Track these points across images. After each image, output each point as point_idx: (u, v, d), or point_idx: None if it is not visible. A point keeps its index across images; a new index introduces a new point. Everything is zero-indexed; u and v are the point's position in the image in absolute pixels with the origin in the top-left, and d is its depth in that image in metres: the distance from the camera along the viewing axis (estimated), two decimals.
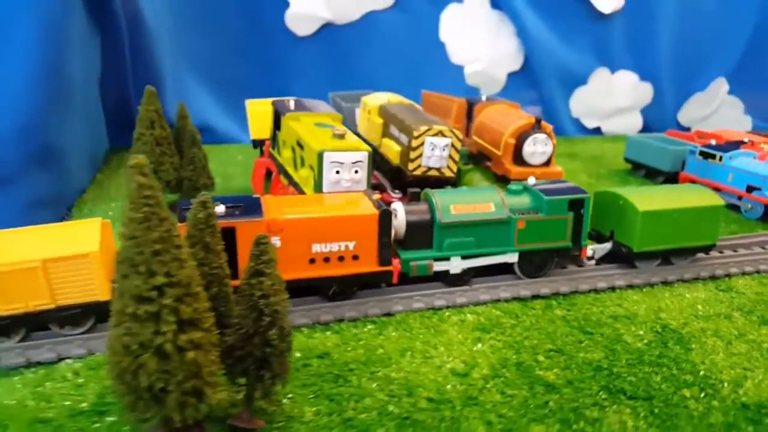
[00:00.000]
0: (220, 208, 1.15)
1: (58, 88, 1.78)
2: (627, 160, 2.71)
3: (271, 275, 0.88)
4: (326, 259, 1.24)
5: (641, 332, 1.26)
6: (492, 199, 1.40)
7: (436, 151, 1.57)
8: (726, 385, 1.08)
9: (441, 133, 1.57)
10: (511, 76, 3.49)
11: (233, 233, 1.13)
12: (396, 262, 1.32)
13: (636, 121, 3.83)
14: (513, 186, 1.46)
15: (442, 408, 0.99)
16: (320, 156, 1.40)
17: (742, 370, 1.13)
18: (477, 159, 2.02)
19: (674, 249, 1.55)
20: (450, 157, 1.60)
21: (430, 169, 1.60)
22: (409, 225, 1.35)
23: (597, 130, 3.77)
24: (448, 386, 1.05)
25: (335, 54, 3.13)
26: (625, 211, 1.51)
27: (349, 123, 2.14)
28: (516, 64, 3.49)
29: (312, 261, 1.23)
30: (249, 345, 0.87)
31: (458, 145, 1.59)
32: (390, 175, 1.71)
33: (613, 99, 3.71)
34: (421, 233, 1.35)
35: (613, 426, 0.96)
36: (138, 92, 2.63)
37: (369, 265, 1.28)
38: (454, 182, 1.64)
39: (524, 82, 3.50)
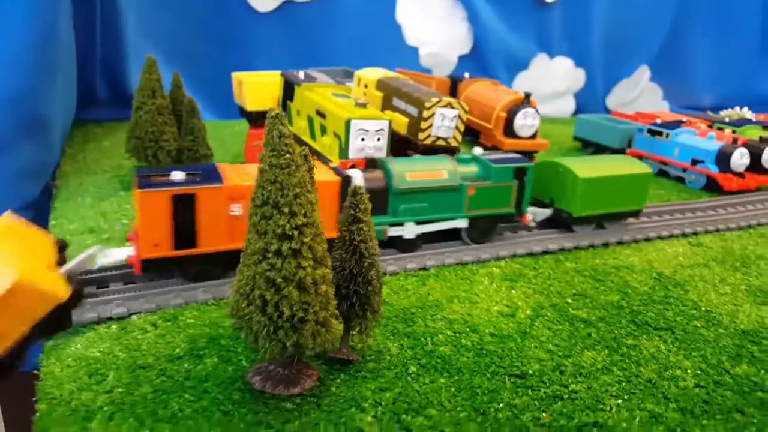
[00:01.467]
0: (180, 175, 1.12)
1: (49, 57, 1.73)
2: (577, 138, 2.94)
3: (367, 222, 0.95)
4: None
5: (642, 279, 1.44)
6: (445, 167, 1.45)
7: (445, 122, 1.67)
8: (725, 317, 1.27)
9: (450, 105, 1.67)
10: (462, 58, 3.65)
11: (193, 200, 1.12)
12: None
13: (569, 105, 4.11)
14: (462, 155, 1.54)
15: (506, 341, 1.10)
16: (348, 123, 1.46)
17: (733, 306, 1.33)
18: None
19: (608, 214, 1.66)
20: (456, 127, 1.71)
21: (438, 138, 1.69)
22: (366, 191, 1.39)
23: None
24: (502, 325, 1.16)
25: (295, 31, 3.14)
26: (565, 178, 1.59)
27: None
28: (466, 47, 3.65)
29: None
30: (353, 284, 0.94)
31: (464, 116, 1.70)
32: (399, 145, 1.79)
33: (550, 83, 3.95)
34: (377, 199, 1.35)
35: (651, 350, 1.12)
36: (103, 66, 2.55)
37: (329, 231, 1.27)
38: (459, 151, 1.75)
39: (473, 65, 3.66)
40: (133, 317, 1.08)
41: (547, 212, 1.64)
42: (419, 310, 1.19)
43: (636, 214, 1.72)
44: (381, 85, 1.89)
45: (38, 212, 1.86)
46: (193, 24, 2.92)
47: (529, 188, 1.52)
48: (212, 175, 1.16)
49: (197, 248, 1.14)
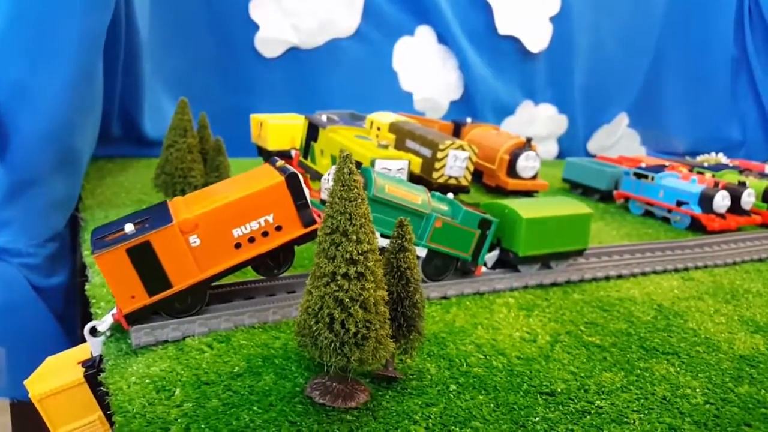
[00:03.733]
0: (129, 227, 1.12)
1: (87, 96, 1.82)
2: (565, 180, 3.10)
3: (412, 251, 1.05)
4: (251, 239, 1.21)
5: (644, 309, 1.55)
6: (420, 194, 1.49)
7: (457, 162, 1.80)
8: (723, 343, 1.39)
9: (462, 147, 1.80)
10: (453, 103, 3.84)
11: (149, 246, 1.12)
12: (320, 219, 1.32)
13: (553, 149, 4.32)
14: (436, 194, 1.59)
15: (532, 363, 1.20)
16: (373, 162, 1.58)
17: (728, 334, 1.45)
18: None
19: (553, 253, 1.69)
20: (467, 168, 1.84)
21: (450, 177, 1.82)
22: None
23: None
24: (526, 349, 1.26)
25: (299, 76, 3.29)
26: (510, 219, 1.63)
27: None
28: (457, 93, 3.84)
29: (238, 246, 1.20)
30: (400, 306, 1.03)
31: (474, 158, 1.84)
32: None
33: (535, 128, 4.15)
34: None
35: (662, 371, 1.22)
36: (120, 105, 2.65)
37: (294, 230, 1.25)
38: (469, 190, 1.87)
39: (463, 110, 3.84)
40: (188, 339, 1.15)
41: (495, 254, 1.65)
42: (448, 335, 1.28)
43: (580, 253, 1.75)
44: (394, 128, 2.02)
45: (62, 243, 1.92)
46: (204, 68, 3.06)
47: (488, 242, 1.55)
48: (162, 216, 1.17)
49: (174, 288, 1.16)
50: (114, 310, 1.18)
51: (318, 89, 3.32)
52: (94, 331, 1.19)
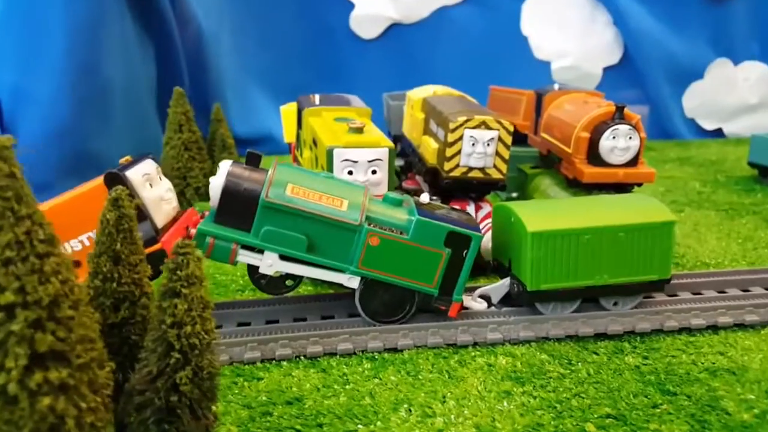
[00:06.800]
0: None
1: (92, 92, 1.72)
2: (752, 164, 2.22)
3: (189, 297, 0.64)
4: (77, 264, 0.84)
5: (751, 396, 0.88)
6: (351, 197, 1.01)
7: (477, 147, 1.27)
8: None
9: (484, 125, 1.27)
10: (608, 71, 3.08)
11: None
12: (167, 240, 0.98)
13: (766, 120, 3.24)
14: (392, 194, 1.08)
15: None
16: (329, 153, 1.15)
17: None
18: (548, 161, 1.67)
19: (599, 287, 1.06)
20: (497, 154, 1.29)
21: (471, 169, 1.30)
22: (226, 192, 0.97)
23: (718, 132, 3.23)
24: None
25: (403, 55, 2.93)
26: (516, 233, 1.05)
27: (397, 122, 1.89)
28: (614, 57, 3.08)
29: None
30: (150, 389, 0.64)
31: (507, 139, 1.28)
32: (429, 178, 1.43)
33: (737, 95, 3.19)
34: (241, 209, 0.97)
35: None
36: (197, 103, 2.57)
37: None
38: (505, 185, 1.33)
39: (624, 78, 3.07)
40: None
41: (504, 284, 1.11)
42: (335, 420, 0.82)
43: (656, 285, 1.10)
44: (424, 104, 1.54)
45: None
46: (295, 56, 2.87)
47: (467, 268, 1.02)
48: None
49: None
50: None
51: (426, 68, 2.90)
52: None
